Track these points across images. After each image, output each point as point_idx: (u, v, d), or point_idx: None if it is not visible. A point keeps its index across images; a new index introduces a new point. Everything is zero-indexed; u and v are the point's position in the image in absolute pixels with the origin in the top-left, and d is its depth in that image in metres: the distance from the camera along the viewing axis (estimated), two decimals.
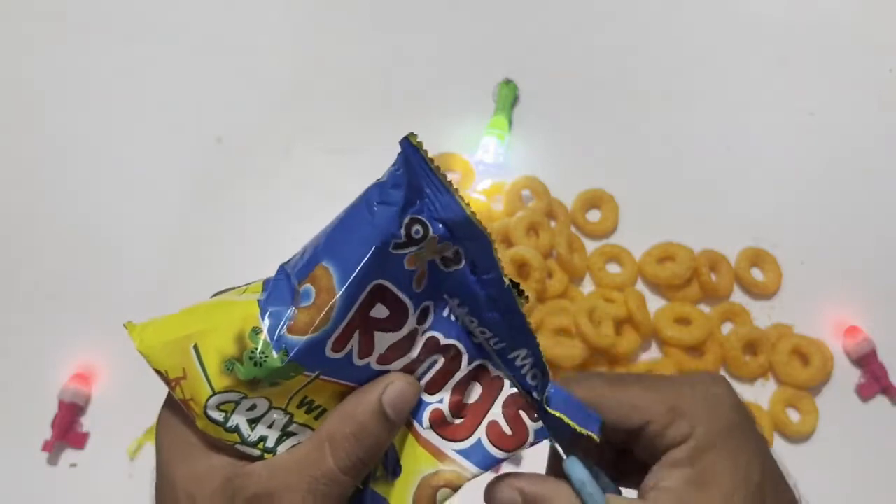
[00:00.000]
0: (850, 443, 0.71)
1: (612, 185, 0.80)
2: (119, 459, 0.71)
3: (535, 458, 0.37)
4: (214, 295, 0.35)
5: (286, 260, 0.33)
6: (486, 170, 0.81)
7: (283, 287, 0.32)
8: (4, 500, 0.71)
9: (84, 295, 0.78)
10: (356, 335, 0.31)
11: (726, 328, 0.75)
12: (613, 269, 0.78)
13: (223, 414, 0.31)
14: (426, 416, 0.34)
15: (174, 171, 0.84)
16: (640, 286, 0.77)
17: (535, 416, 0.34)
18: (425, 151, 0.30)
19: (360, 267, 0.30)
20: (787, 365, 0.72)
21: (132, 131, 0.87)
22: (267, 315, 0.31)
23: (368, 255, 0.30)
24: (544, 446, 0.35)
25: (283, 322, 0.30)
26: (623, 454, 0.36)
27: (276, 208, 0.82)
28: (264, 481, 0.31)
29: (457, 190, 0.30)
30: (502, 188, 0.80)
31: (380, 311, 0.31)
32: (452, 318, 0.33)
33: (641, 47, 0.90)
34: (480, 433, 0.34)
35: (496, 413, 0.34)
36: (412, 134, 0.30)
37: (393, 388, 0.32)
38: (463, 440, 0.34)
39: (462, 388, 0.34)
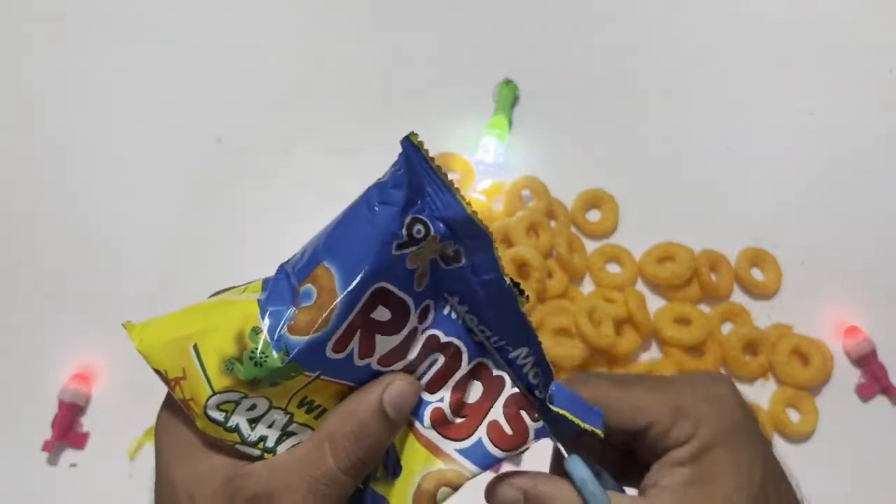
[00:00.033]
0: (850, 443, 0.71)
1: (612, 185, 0.80)
2: (119, 459, 0.71)
3: (535, 457, 0.37)
4: (213, 294, 0.35)
5: (286, 260, 0.33)
6: (486, 170, 0.81)
7: (283, 287, 0.32)
8: (4, 500, 0.71)
9: (84, 295, 0.78)
10: (357, 336, 0.31)
11: (726, 328, 0.75)
12: (613, 269, 0.78)
13: (223, 414, 0.31)
14: (427, 415, 0.34)
15: (174, 171, 0.84)
16: (640, 286, 0.77)
17: (536, 416, 0.34)
18: (426, 151, 0.30)
19: (361, 267, 0.30)
20: (787, 365, 0.72)
21: (132, 131, 0.87)
22: (267, 315, 0.31)
23: (370, 255, 0.30)
24: (545, 446, 0.35)
25: (283, 322, 0.30)
26: (626, 455, 0.36)
27: (276, 208, 0.82)
28: (264, 481, 0.31)
29: (458, 189, 0.30)
30: (502, 188, 0.80)
31: (381, 314, 0.31)
32: (453, 315, 0.33)
33: (641, 47, 0.90)
34: (481, 432, 0.34)
35: (497, 412, 0.34)
36: (413, 133, 0.30)
37: (393, 387, 0.32)
38: (463, 439, 0.34)
39: (463, 386, 0.34)
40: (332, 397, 0.33)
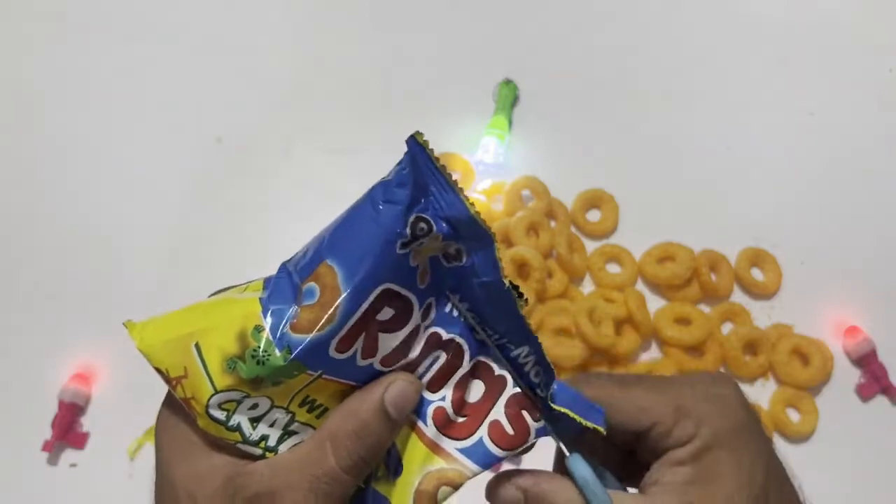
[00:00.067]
0: (850, 443, 0.71)
1: (612, 185, 0.80)
2: (119, 459, 0.71)
3: (536, 458, 0.37)
4: (213, 294, 0.34)
5: (287, 258, 0.33)
6: (486, 170, 0.81)
7: (284, 285, 0.31)
8: (4, 500, 0.71)
9: (84, 295, 0.78)
10: (362, 337, 0.31)
11: (726, 328, 0.75)
12: (613, 269, 0.78)
13: (225, 413, 0.31)
14: (429, 413, 0.34)
15: (174, 171, 0.84)
16: (640, 286, 0.77)
17: (538, 415, 0.34)
18: (431, 150, 0.30)
19: (366, 265, 0.30)
20: (787, 365, 0.72)
21: (132, 131, 0.87)
22: (269, 313, 0.31)
23: (374, 253, 0.30)
24: (546, 445, 0.35)
25: (285, 320, 0.30)
26: (627, 455, 0.36)
27: (276, 208, 0.82)
28: (266, 480, 0.31)
29: (462, 189, 0.30)
30: (502, 188, 0.80)
31: (386, 314, 0.31)
32: (455, 313, 0.33)
33: (641, 47, 0.90)
34: (482, 432, 0.34)
35: (498, 412, 0.34)
36: (418, 133, 0.30)
37: (395, 387, 0.32)
38: (464, 438, 0.34)
39: (464, 385, 0.34)
40: (333, 396, 0.33)
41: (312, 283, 0.30)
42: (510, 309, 0.32)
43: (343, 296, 0.30)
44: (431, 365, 0.34)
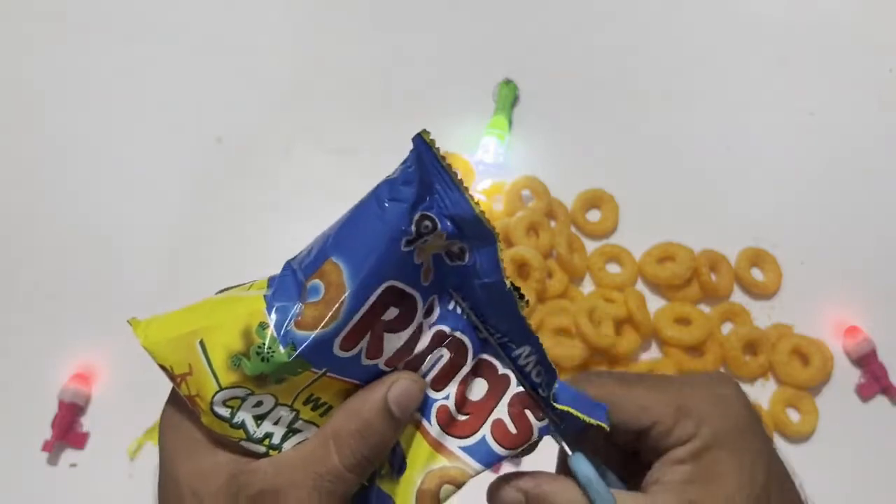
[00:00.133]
0: (850, 443, 0.71)
1: (612, 185, 0.80)
2: (119, 459, 0.71)
3: (537, 458, 0.37)
4: (218, 293, 0.34)
5: (292, 257, 0.33)
6: (486, 170, 0.81)
7: (289, 283, 0.32)
8: (4, 500, 0.71)
9: (84, 295, 0.78)
10: (367, 336, 0.31)
11: (726, 328, 0.75)
12: (613, 269, 0.78)
13: (229, 410, 0.31)
14: (433, 412, 0.34)
15: (174, 171, 0.84)
16: (640, 286, 0.77)
17: (541, 414, 0.34)
18: (437, 149, 0.30)
19: (370, 262, 0.30)
20: (787, 365, 0.72)
21: (132, 131, 0.86)
22: (274, 310, 0.31)
23: (379, 250, 0.30)
24: (549, 448, 0.35)
25: (290, 317, 0.30)
26: (629, 456, 0.37)
27: (276, 208, 0.82)
28: (269, 478, 0.31)
29: (467, 188, 0.31)
30: (502, 188, 0.80)
31: (391, 314, 0.31)
32: (458, 311, 0.33)
33: (641, 47, 0.90)
34: (485, 430, 0.34)
35: (502, 411, 0.34)
36: (425, 131, 0.30)
37: (398, 385, 0.32)
38: (467, 437, 0.34)
39: (468, 384, 0.34)
40: (337, 395, 0.33)
41: (317, 281, 0.30)
42: (511, 310, 0.32)
43: (348, 292, 0.30)
44: (435, 363, 0.34)
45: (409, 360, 0.33)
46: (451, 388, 0.34)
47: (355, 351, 0.31)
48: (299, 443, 0.33)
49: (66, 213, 0.82)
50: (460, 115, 0.85)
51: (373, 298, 0.30)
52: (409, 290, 0.31)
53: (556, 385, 0.33)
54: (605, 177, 0.81)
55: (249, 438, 0.32)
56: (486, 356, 0.34)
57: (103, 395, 0.74)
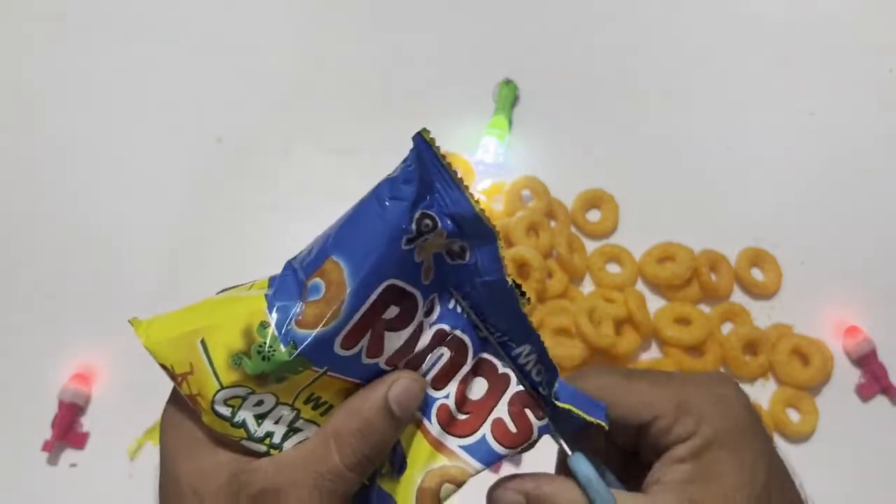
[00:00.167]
0: (850, 443, 0.71)
1: (612, 185, 0.80)
2: (119, 459, 0.71)
3: (538, 458, 0.37)
4: (218, 293, 0.34)
5: (292, 256, 0.33)
6: (486, 170, 0.81)
7: (290, 282, 0.32)
8: (4, 500, 0.71)
9: (84, 295, 0.78)
10: (367, 335, 0.31)
11: (726, 328, 0.75)
12: (613, 269, 0.78)
13: (230, 409, 0.31)
14: (433, 411, 0.34)
15: (174, 171, 0.84)
16: (640, 286, 0.77)
17: (541, 413, 0.34)
18: (437, 147, 0.30)
19: (371, 260, 0.30)
20: (787, 365, 0.72)
21: (132, 131, 0.86)
22: (275, 309, 0.31)
23: (380, 248, 0.30)
24: (549, 448, 0.35)
25: (291, 316, 0.30)
26: (629, 456, 0.37)
27: (276, 208, 0.82)
28: (270, 477, 0.31)
29: (467, 187, 0.31)
30: (502, 188, 0.80)
31: (391, 313, 0.31)
32: (458, 309, 0.33)
33: (641, 47, 0.90)
34: (485, 429, 0.34)
35: (502, 410, 0.34)
36: (425, 130, 0.30)
37: (398, 385, 0.32)
38: (467, 436, 0.34)
39: (468, 383, 0.34)
40: (338, 394, 0.33)
41: (318, 279, 0.30)
42: (512, 307, 0.32)
43: (348, 291, 0.30)
44: (435, 362, 0.34)
45: (409, 359, 0.33)
46: (452, 387, 0.34)
47: (356, 350, 0.31)
48: (300, 442, 0.33)
49: (66, 213, 0.82)
50: (460, 115, 0.85)
51: (373, 297, 0.30)
52: (409, 288, 0.31)
53: (557, 384, 0.33)
54: (605, 177, 0.81)
55: (250, 437, 0.32)
56: (486, 355, 0.34)
57: (103, 395, 0.74)
